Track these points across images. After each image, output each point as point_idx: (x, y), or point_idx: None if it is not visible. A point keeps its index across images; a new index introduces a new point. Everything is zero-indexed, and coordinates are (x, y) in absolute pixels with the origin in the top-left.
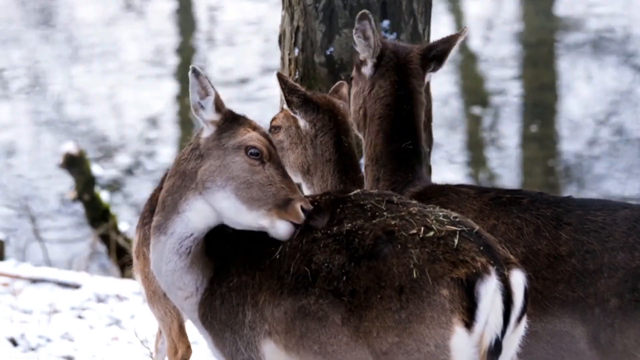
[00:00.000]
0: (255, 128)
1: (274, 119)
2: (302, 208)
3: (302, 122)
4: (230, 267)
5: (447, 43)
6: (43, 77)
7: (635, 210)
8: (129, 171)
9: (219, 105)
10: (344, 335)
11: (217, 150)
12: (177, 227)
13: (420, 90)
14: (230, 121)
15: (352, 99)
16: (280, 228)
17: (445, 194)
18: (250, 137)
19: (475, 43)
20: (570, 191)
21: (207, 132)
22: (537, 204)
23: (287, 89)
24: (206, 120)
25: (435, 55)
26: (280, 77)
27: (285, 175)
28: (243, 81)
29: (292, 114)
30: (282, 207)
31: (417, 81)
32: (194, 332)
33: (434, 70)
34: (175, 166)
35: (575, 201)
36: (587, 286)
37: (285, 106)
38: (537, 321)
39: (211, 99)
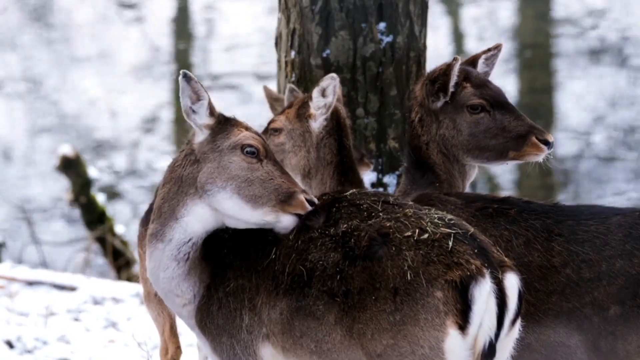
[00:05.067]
0: (247, 128)
1: (273, 122)
2: (305, 199)
3: (317, 125)
4: (227, 272)
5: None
6: (40, 79)
7: (628, 217)
8: (126, 174)
9: (212, 109)
10: (337, 334)
11: (213, 153)
12: (176, 233)
13: None
14: (223, 123)
15: None
16: (286, 221)
17: (432, 204)
18: (244, 136)
19: (471, 45)
20: (567, 192)
21: (201, 136)
22: (524, 215)
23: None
24: (200, 125)
25: (439, 88)
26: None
27: (283, 171)
28: (240, 83)
29: (322, 115)
30: (285, 201)
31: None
32: (192, 334)
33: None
34: (170, 173)
35: (564, 210)
36: (583, 296)
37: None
38: (529, 333)
39: (205, 103)
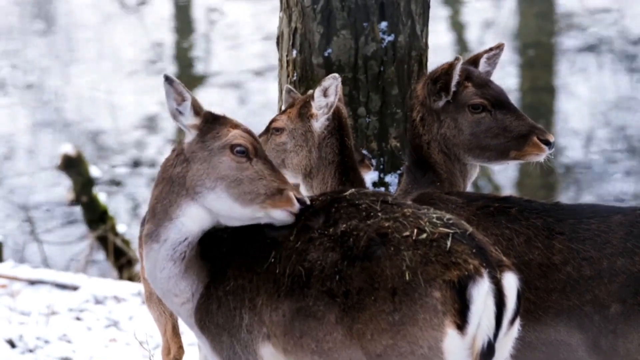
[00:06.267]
0: (236, 126)
1: (274, 121)
2: (295, 197)
3: (318, 125)
4: (227, 271)
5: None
6: (41, 78)
7: (628, 215)
8: (127, 172)
9: (197, 109)
10: (338, 334)
11: (202, 153)
12: (171, 233)
13: None
14: (212, 122)
15: None
16: (278, 215)
17: (434, 203)
18: (234, 135)
19: (473, 44)
20: (568, 192)
21: (190, 136)
22: (526, 214)
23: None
24: (186, 126)
25: (441, 87)
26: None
27: (274, 169)
28: (240, 82)
29: (324, 115)
30: (275, 194)
31: None
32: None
33: (446, 97)
34: (162, 173)
35: (565, 209)
36: (583, 294)
37: (284, 107)
38: (530, 331)
39: (188, 104)
